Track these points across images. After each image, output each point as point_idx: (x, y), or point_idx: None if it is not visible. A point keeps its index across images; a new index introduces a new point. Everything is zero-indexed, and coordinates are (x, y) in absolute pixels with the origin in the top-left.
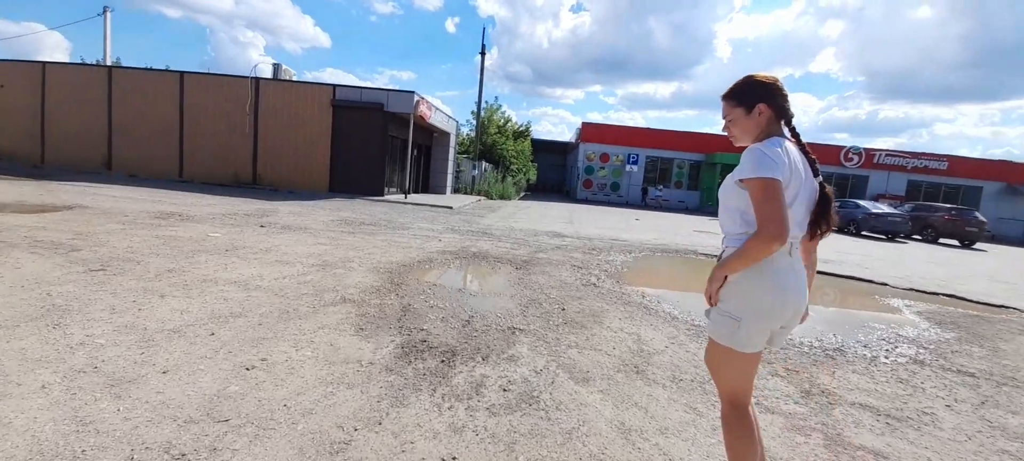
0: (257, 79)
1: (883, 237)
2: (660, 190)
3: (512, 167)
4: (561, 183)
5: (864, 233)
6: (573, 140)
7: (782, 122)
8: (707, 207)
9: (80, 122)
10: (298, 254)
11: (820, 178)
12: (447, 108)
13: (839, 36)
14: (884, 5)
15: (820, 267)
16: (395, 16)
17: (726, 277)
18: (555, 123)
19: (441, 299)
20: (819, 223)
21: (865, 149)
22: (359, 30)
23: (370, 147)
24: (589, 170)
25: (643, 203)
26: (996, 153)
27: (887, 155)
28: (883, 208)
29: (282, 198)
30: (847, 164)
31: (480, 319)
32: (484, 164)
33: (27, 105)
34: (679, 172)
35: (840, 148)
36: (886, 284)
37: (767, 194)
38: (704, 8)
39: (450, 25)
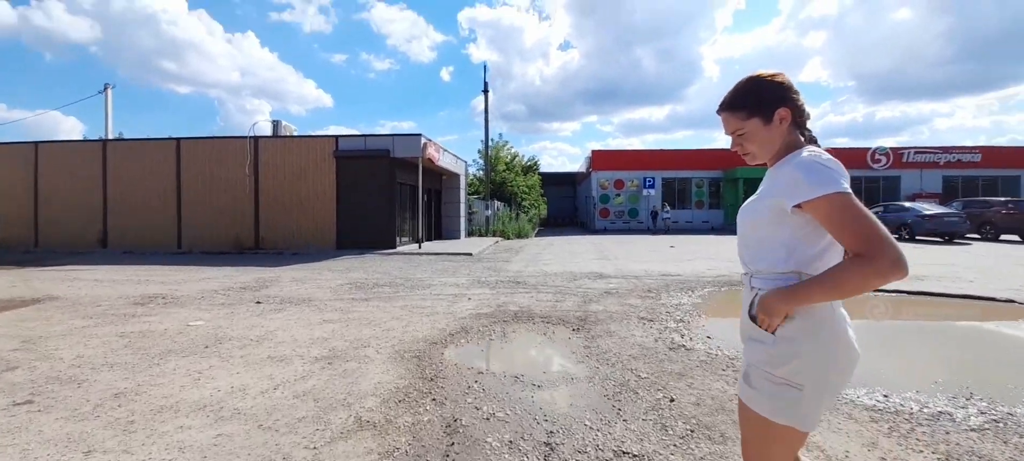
0: (256, 138)
1: (940, 240)
2: (668, 212)
3: (524, 203)
4: (573, 215)
5: (919, 237)
6: (583, 169)
7: (799, 130)
8: (733, 225)
9: (74, 200)
10: (298, 341)
11: None
12: (452, 151)
13: (822, 45)
14: (863, 11)
15: (915, 286)
16: (392, 71)
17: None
18: (554, 156)
19: (496, 400)
20: None
21: (892, 149)
22: (359, 87)
23: (378, 197)
24: (604, 199)
25: (653, 228)
26: (1000, 141)
27: (916, 153)
28: (935, 208)
29: (286, 261)
30: (875, 166)
31: (566, 438)
32: (496, 203)
33: (20, 188)
34: (698, 191)
35: (866, 150)
36: (1012, 301)
37: (857, 209)
38: (687, 34)
39: (445, 74)
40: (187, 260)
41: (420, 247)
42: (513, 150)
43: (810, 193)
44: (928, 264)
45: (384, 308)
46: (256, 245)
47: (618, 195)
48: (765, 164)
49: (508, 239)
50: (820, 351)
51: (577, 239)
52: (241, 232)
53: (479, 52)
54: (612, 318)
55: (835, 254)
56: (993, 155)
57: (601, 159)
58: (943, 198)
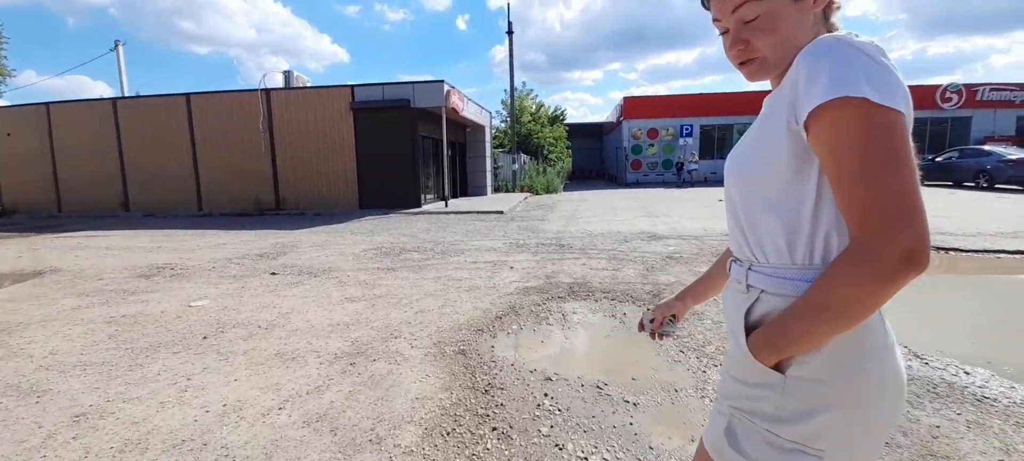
0: (268, 90)
1: (1020, 188)
2: (694, 163)
3: (551, 156)
4: (599, 168)
5: (998, 186)
6: (613, 119)
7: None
8: None
9: (92, 162)
10: (316, 329)
11: None
12: (476, 101)
13: None
14: None
15: (1010, 244)
16: (406, 21)
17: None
18: (576, 106)
19: (584, 429)
20: None
21: (965, 85)
22: (374, 40)
23: (400, 152)
24: (636, 150)
25: (679, 181)
26: None
27: (991, 90)
28: (1020, 153)
29: (308, 223)
30: (945, 106)
31: None
32: (523, 156)
33: (37, 152)
34: (739, 139)
35: (935, 88)
36: None
37: (890, 145)
38: None
39: (461, 22)
40: (206, 223)
41: (446, 205)
42: (538, 100)
43: (826, 91)
44: None
45: (415, 281)
46: (277, 207)
47: (651, 145)
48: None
49: (537, 194)
50: (860, 396)
51: (611, 194)
52: (261, 193)
53: None
54: None
55: None
56: None
57: (633, 106)
58: (1017, 141)
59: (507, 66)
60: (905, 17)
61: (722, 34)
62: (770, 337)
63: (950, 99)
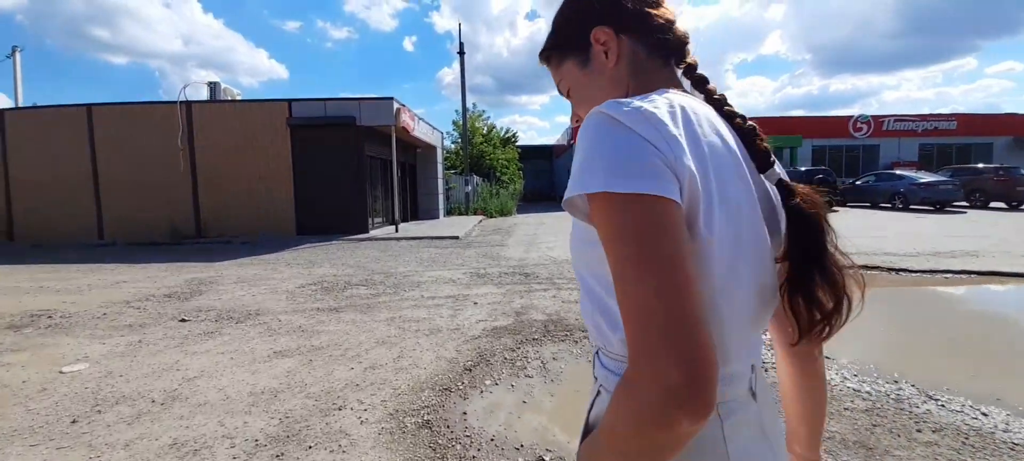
0: (188, 103)
1: (931, 208)
2: None
3: (503, 178)
4: (550, 190)
5: (913, 207)
6: (565, 141)
7: (674, 68)
8: None
9: None
10: (232, 401)
11: (778, 173)
12: (427, 120)
13: (783, 18)
14: None
15: (992, 266)
16: (351, 40)
17: None
18: (524, 129)
19: None
20: (808, 288)
21: (873, 116)
22: (316, 58)
23: (344, 173)
24: None
25: None
26: (942, 112)
27: (896, 120)
28: (929, 177)
29: (233, 254)
30: (857, 134)
31: None
32: (475, 178)
33: None
34: None
35: (848, 118)
36: None
37: (639, 243)
38: None
39: (408, 44)
40: (107, 255)
41: (397, 230)
42: (490, 121)
43: (583, 186)
44: (963, 237)
45: (364, 324)
46: (198, 234)
47: None
48: None
49: (492, 217)
50: None
51: (563, 216)
52: (177, 218)
53: (443, 20)
54: None
55: (727, 319)
56: (968, 123)
57: None
58: (920, 166)
59: (456, 88)
60: (810, 56)
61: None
62: (588, 450)
63: (861, 129)
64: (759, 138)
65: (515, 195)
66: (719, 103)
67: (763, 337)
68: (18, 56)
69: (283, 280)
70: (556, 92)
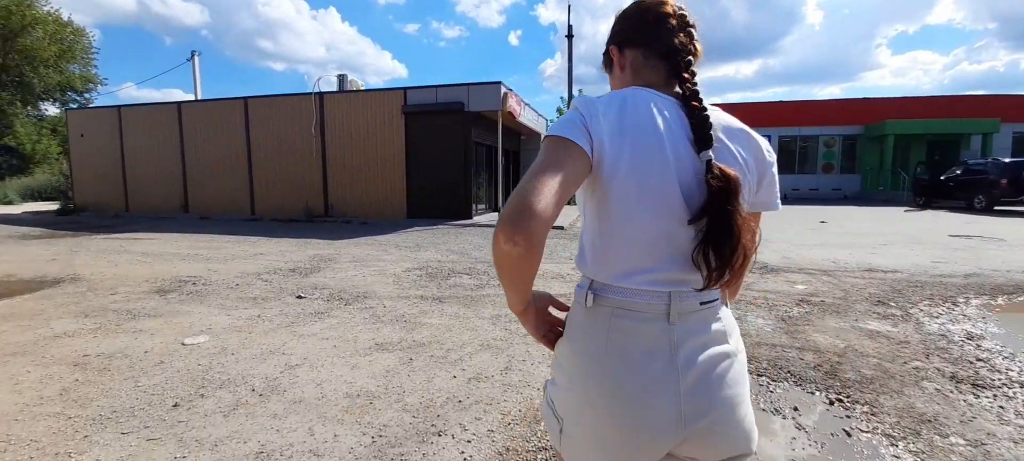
0: (321, 94)
1: None
2: None
3: None
4: None
5: None
6: None
7: (667, 69)
8: (875, 193)
9: (157, 164)
10: (327, 400)
11: (708, 155)
12: (532, 106)
13: None
14: None
15: None
16: (462, 38)
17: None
18: None
19: None
20: (715, 241)
21: None
22: (431, 56)
23: (452, 158)
24: None
25: None
26: None
27: None
28: None
29: (352, 233)
30: None
31: None
32: None
33: (108, 152)
34: (828, 152)
35: None
36: None
37: (539, 160)
38: None
39: (513, 38)
40: (254, 229)
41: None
42: None
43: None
44: None
45: (467, 320)
46: (325, 213)
47: None
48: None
49: None
50: (574, 385)
51: None
52: (311, 198)
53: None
54: (878, 374)
55: (624, 244)
56: None
57: None
58: None
59: (558, 79)
60: (995, 25)
61: None
62: None
63: None
64: (702, 121)
65: None
66: (683, 97)
67: (695, 277)
68: (197, 59)
69: (392, 262)
70: None
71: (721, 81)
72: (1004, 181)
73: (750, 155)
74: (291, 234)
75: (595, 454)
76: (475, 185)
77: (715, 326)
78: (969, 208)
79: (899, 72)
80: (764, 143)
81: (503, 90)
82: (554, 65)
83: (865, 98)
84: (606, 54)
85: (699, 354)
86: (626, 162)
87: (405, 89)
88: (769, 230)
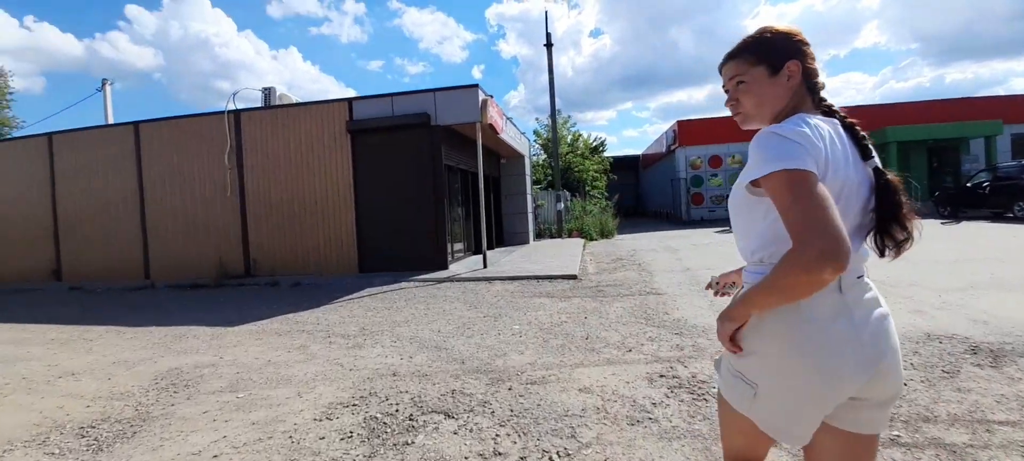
0: (237, 112)
1: None
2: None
3: (593, 192)
4: (636, 204)
5: None
6: (664, 147)
7: (812, 97)
8: None
9: (23, 215)
10: None
11: (875, 162)
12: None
13: (880, 6)
14: None
15: None
16: (426, 74)
17: (747, 318)
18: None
19: None
20: (888, 229)
21: None
22: (396, 92)
23: (417, 188)
24: (697, 181)
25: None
26: None
27: None
28: None
29: (269, 306)
30: None
31: None
32: (566, 193)
33: None
34: None
35: None
36: None
37: (799, 191)
38: (726, 8)
39: (477, 72)
40: (143, 300)
41: (485, 264)
42: (575, 129)
43: (761, 169)
44: None
45: None
46: (246, 271)
47: (715, 175)
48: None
49: (592, 240)
50: (777, 355)
51: (689, 236)
52: (226, 252)
53: (509, 47)
54: None
55: None
56: None
57: (690, 131)
58: None
59: (522, 109)
60: (917, 46)
61: (726, 93)
62: (748, 294)
63: None
64: (865, 138)
65: (608, 210)
66: (840, 118)
67: (856, 259)
68: (108, 89)
69: (307, 384)
70: (623, 107)
71: (676, 107)
72: None
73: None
74: (173, 313)
75: (793, 396)
76: (451, 223)
77: (870, 294)
78: (999, 217)
79: (834, 93)
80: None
81: (482, 97)
82: (518, 96)
83: (860, 106)
84: (774, 61)
85: (869, 315)
86: (829, 177)
87: (350, 100)
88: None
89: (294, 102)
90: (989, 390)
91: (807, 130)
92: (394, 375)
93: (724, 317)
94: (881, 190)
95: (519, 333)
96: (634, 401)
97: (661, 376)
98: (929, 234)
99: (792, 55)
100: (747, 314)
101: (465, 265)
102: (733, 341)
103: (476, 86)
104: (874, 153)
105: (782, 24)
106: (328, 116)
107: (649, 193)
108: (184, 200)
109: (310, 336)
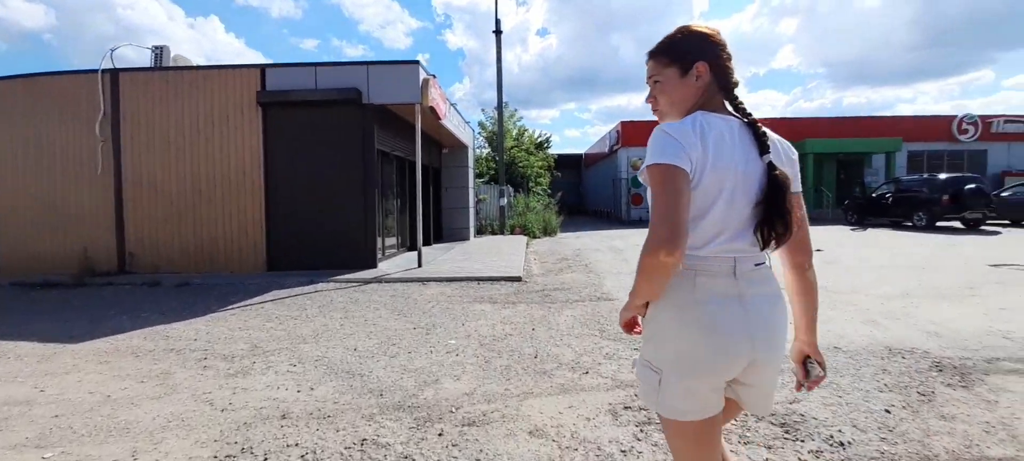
0: (114, 72)
1: None
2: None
3: (536, 189)
4: (578, 203)
5: None
6: (606, 147)
7: (723, 94)
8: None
9: None
10: None
11: (769, 157)
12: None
13: (795, 32)
14: None
15: None
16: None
17: (645, 307)
18: None
19: None
20: (771, 220)
21: (981, 117)
22: None
23: (343, 174)
24: (637, 182)
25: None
26: None
27: (1007, 122)
28: None
29: (146, 308)
30: (962, 137)
31: None
32: (510, 188)
33: None
34: None
35: (951, 118)
36: None
37: (661, 186)
38: (665, 21)
39: (422, 61)
40: None
41: (420, 263)
42: (520, 123)
43: (645, 162)
44: None
45: None
46: (120, 268)
47: None
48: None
49: (536, 238)
50: (663, 332)
51: (628, 235)
52: (93, 244)
53: (456, 38)
54: None
55: (705, 227)
56: None
57: (633, 132)
58: None
59: (467, 102)
60: (824, 70)
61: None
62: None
63: (966, 131)
64: (765, 135)
65: (551, 208)
66: (747, 118)
67: (751, 248)
68: None
69: (153, 432)
70: (567, 107)
71: (615, 111)
72: (946, 197)
73: (790, 155)
74: (39, 313)
75: (692, 380)
76: (382, 216)
77: (766, 282)
78: (898, 225)
79: (753, 107)
80: (792, 147)
81: (423, 75)
82: (463, 89)
83: (784, 118)
84: (685, 61)
85: (761, 299)
86: (710, 170)
87: (263, 66)
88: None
89: (192, 65)
90: (973, 417)
91: (689, 128)
92: (283, 417)
93: (623, 308)
94: (770, 185)
95: (456, 350)
96: (599, 448)
97: (626, 408)
98: (845, 239)
99: (701, 56)
100: (633, 300)
101: (397, 263)
102: (633, 327)
103: (417, 62)
104: (769, 149)
105: (699, 24)
106: (234, 84)
107: (591, 192)
108: (39, 178)
109: (180, 358)
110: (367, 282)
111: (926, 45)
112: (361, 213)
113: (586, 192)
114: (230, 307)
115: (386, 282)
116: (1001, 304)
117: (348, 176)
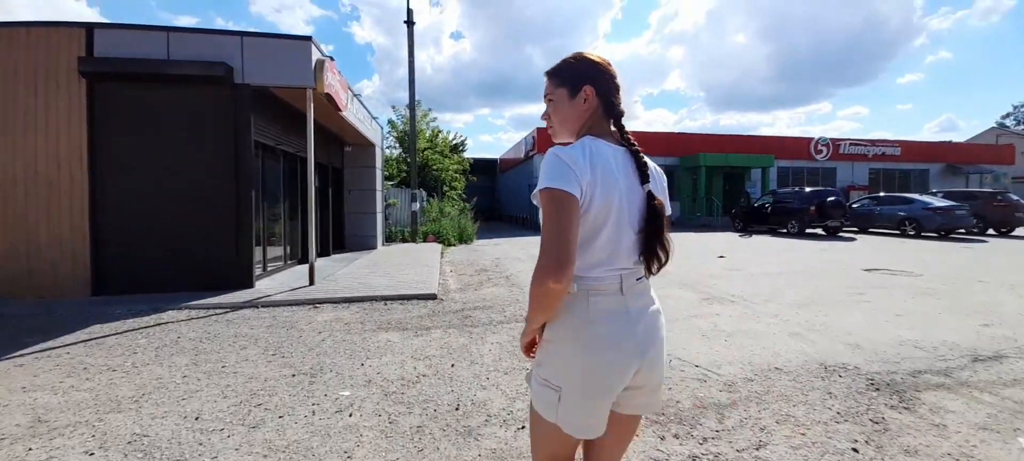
0: None
1: (935, 235)
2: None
3: (450, 194)
4: (493, 209)
5: (925, 234)
6: (522, 153)
7: (610, 121)
8: (694, 220)
9: None
10: None
11: (648, 186)
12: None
13: (682, 59)
14: (711, 32)
15: None
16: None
17: (543, 329)
18: None
19: None
20: (651, 246)
21: (832, 140)
22: None
23: (209, 170)
24: None
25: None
26: (889, 138)
27: (851, 144)
28: (943, 202)
29: None
30: (818, 157)
31: None
32: (423, 192)
33: None
34: None
35: (809, 140)
36: None
37: (552, 209)
38: (575, 36)
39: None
40: None
41: (312, 279)
42: (435, 125)
43: (538, 185)
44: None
45: None
46: None
47: None
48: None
49: (451, 246)
50: (568, 354)
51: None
52: None
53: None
54: None
55: (595, 250)
56: (910, 149)
57: (549, 139)
58: (869, 190)
59: (377, 101)
60: (704, 94)
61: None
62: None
63: (821, 151)
64: (646, 165)
65: (466, 213)
66: (630, 146)
67: (636, 266)
68: None
69: None
70: (481, 113)
71: (528, 119)
72: (813, 208)
73: (663, 183)
74: None
75: (589, 390)
76: (262, 221)
77: (646, 295)
78: (775, 232)
79: (648, 123)
80: (664, 174)
81: (317, 55)
82: (372, 86)
83: (681, 133)
84: (574, 84)
85: (643, 311)
86: (598, 196)
87: (90, 25)
88: (697, 273)
89: None
90: (931, 448)
91: (580, 155)
92: None
93: (522, 333)
94: (649, 213)
95: (349, 406)
96: None
97: None
98: (738, 245)
99: (589, 82)
100: (530, 325)
101: (282, 281)
102: (532, 348)
103: (309, 39)
104: (649, 178)
105: (593, 53)
106: (45, 46)
107: (506, 198)
108: None
109: None
110: (237, 307)
111: (780, 79)
112: (232, 219)
113: (501, 198)
114: (22, 352)
115: (264, 306)
116: (895, 309)
117: (214, 173)
